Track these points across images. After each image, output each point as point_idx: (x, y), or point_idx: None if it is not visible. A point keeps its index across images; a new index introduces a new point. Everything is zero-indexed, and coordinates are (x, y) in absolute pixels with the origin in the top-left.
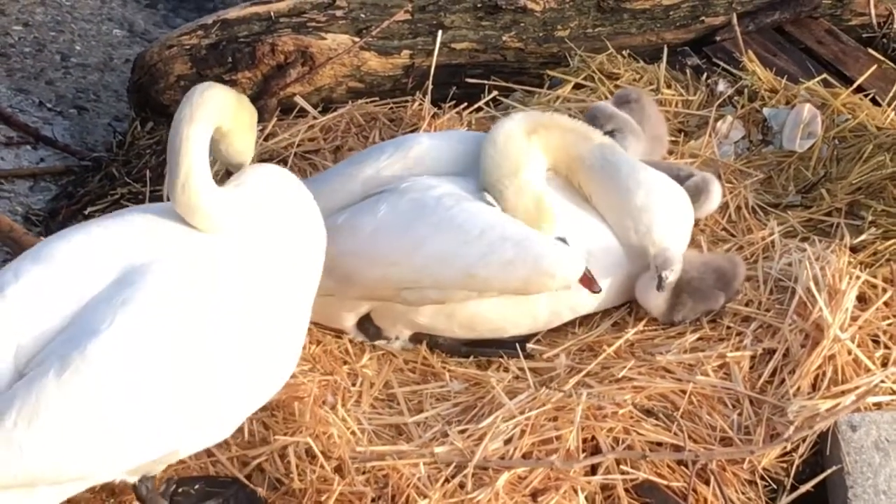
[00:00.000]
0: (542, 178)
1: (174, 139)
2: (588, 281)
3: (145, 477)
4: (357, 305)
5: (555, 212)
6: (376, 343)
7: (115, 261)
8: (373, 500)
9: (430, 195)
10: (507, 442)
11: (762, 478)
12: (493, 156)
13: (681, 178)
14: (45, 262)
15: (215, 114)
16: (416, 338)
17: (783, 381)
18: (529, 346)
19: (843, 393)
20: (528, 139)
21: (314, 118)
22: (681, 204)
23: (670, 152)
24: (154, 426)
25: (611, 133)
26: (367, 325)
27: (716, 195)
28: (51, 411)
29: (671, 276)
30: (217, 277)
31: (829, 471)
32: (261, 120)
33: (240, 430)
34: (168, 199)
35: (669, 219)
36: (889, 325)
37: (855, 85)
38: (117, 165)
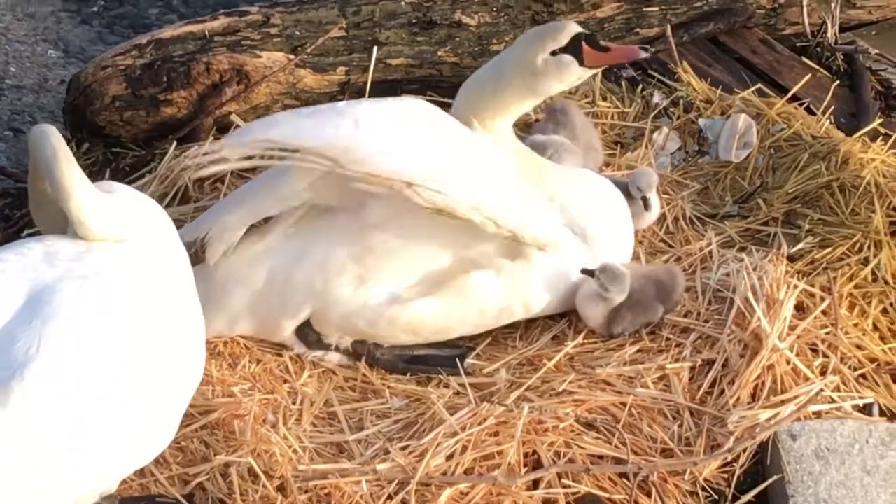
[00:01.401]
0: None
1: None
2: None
3: (103, 499)
4: (297, 311)
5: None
6: (315, 355)
7: (21, 284)
8: None
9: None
10: (450, 458)
11: (703, 489)
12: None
13: (623, 189)
14: None
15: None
16: (356, 352)
17: (723, 391)
18: (469, 360)
19: (782, 402)
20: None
21: None
22: (622, 212)
23: (607, 164)
24: (99, 445)
25: (549, 158)
26: (306, 331)
27: (655, 207)
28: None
29: (617, 297)
30: (128, 286)
31: (770, 480)
32: (197, 139)
33: (179, 448)
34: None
35: (610, 224)
36: (827, 333)
37: (790, 94)
38: None
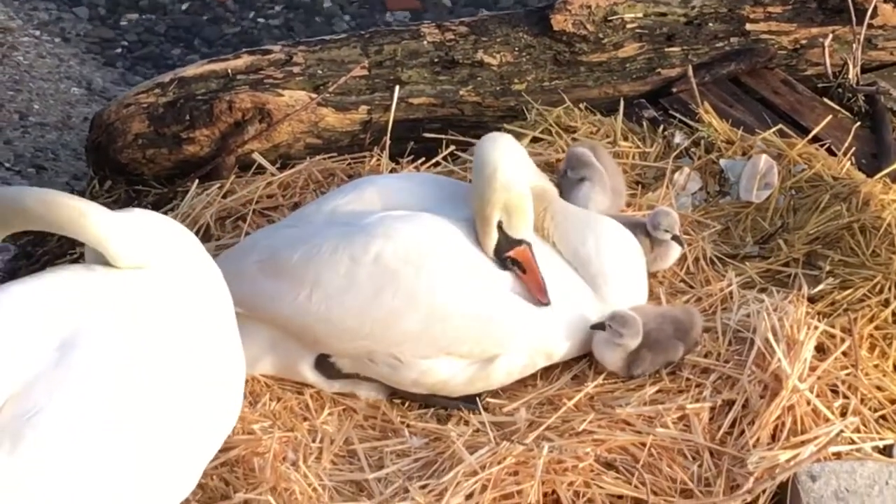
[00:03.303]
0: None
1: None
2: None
3: None
4: (313, 356)
5: (531, 216)
6: (337, 383)
7: (50, 322)
8: None
9: (395, 254)
10: (469, 497)
11: None
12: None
13: (643, 230)
14: None
15: None
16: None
17: (743, 432)
18: (489, 399)
19: (802, 443)
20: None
21: (272, 175)
22: (634, 256)
23: (628, 204)
24: (117, 495)
25: (580, 180)
26: (325, 364)
27: (675, 248)
28: (7, 493)
29: (631, 341)
30: (155, 324)
31: None
32: (218, 177)
33: (200, 486)
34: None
35: (625, 272)
36: (847, 374)
37: (811, 135)
38: None
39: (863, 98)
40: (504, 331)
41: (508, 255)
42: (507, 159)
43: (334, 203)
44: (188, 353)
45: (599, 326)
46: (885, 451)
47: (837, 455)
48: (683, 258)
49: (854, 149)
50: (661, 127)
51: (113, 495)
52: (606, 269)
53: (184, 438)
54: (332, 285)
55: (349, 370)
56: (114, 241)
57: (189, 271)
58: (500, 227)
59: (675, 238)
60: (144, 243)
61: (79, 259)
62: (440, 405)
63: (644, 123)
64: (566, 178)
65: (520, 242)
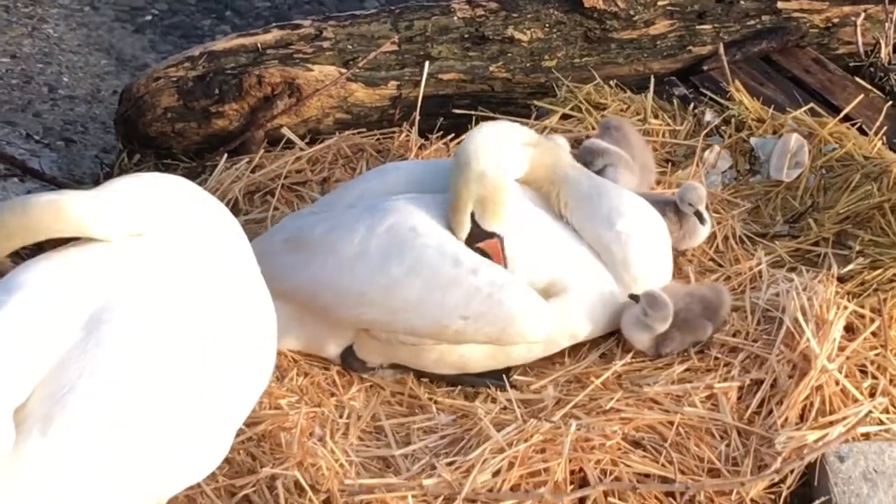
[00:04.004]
0: (512, 179)
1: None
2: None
3: None
4: (339, 336)
5: (504, 210)
6: (364, 375)
7: (73, 299)
8: None
9: (408, 224)
10: (496, 474)
11: None
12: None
13: (673, 207)
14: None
15: None
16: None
17: (771, 411)
18: (516, 377)
19: (830, 424)
20: (522, 146)
21: (301, 150)
22: (660, 233)
23: (658, 182)
24: (152, 465)
25: (603, 168)
26: (350, 359)
27: (705, 225)
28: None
29: (659, 325)
30: (178, 289)
31: (817, 502)
32: (247, 152)
33: (226, 460)
34: None
35: (648, 251)
36: (877, 355)
37: (842, 114)
38: None
39: (895, 77)
40: (504, 311)
41: (478, 246)
42: (485, 151)
43: (360, 189)
44: (214, 315)
45: (635, 298)
46: None
47: (866, 436)
48: (713, 237)
49: (885, 128)
50: (692, 105)
51: (148, 469)
52: (629, 256)
53: (217, 404)
54: (345, 254)
55: (374, 363)
56: (96, 224)
57: (206, 232)
58: (473, 217)
59: (696, 214)
60: (133, 212)
61: None
62: (468, 383)
63: (674, 101)
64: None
65: (491, 235)
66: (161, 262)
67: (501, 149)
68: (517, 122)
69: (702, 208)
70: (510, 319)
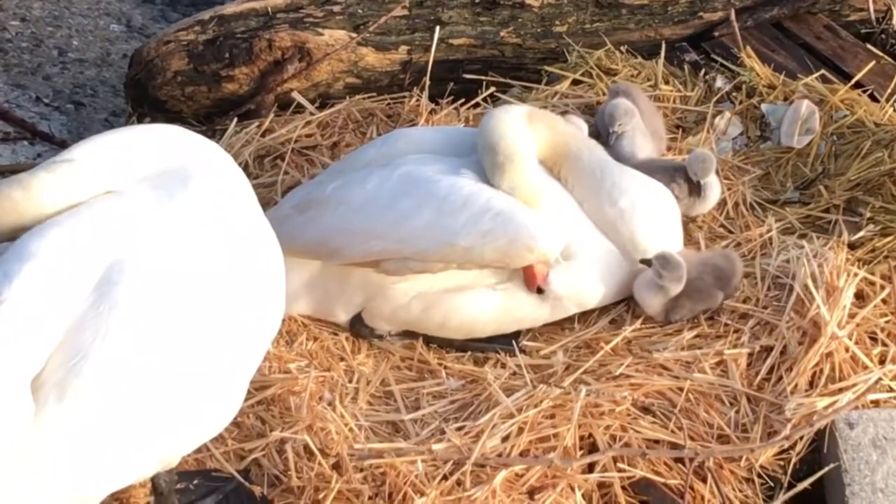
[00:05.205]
0: (536, 163)
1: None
2: (534, 278)
3: (163, 471)
4: (348, 302)
5: (544, 197)
6: (372, 341)
7: (92, 258)
8: (370, 497)
9: (421, 170)
10: (505, 440)
11: (759, 475)
12: (493, 134)
13: (682, 174)
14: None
15: None
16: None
17: (780, 378)
18: (526, 342)
19: (840, 391)
20: (529, 125)
21: (311, 114)
22: (665, 210)
23: (669, 148)
24: (169, 423)
25: (622, 134)
26: (358, 326)
27: (715, 191)
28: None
29: (672, 286)
30: (184, 243)
31: (826, 468)
32: (257, 116)
33: (235, 423)
34: None
35: (654, 226)
36: (887, 322)
37: (853, 81)
38: None
39: None
40: (513, 225)
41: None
42: (507, 131)
43: (370, 155)
44: (224, 265)
45: (647, 262)
46: None
47: (875, 403)
48: (723, 203)
49: None
50: (703, 71)
51: (163, 427)
52: (636, 235)
53: (229, 357)
54: (355, 200)
55: (383, 330)
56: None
57: (203, 180)
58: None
59: (697, 184)
60: (82, 178)
61: None
62: (477, 349)
63: (685, 67)
64: (610, 136)
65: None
66: (168, 217)
67: (519, 126)
68: (528, 87)
69: (705, 181)
70: (518, 232)
